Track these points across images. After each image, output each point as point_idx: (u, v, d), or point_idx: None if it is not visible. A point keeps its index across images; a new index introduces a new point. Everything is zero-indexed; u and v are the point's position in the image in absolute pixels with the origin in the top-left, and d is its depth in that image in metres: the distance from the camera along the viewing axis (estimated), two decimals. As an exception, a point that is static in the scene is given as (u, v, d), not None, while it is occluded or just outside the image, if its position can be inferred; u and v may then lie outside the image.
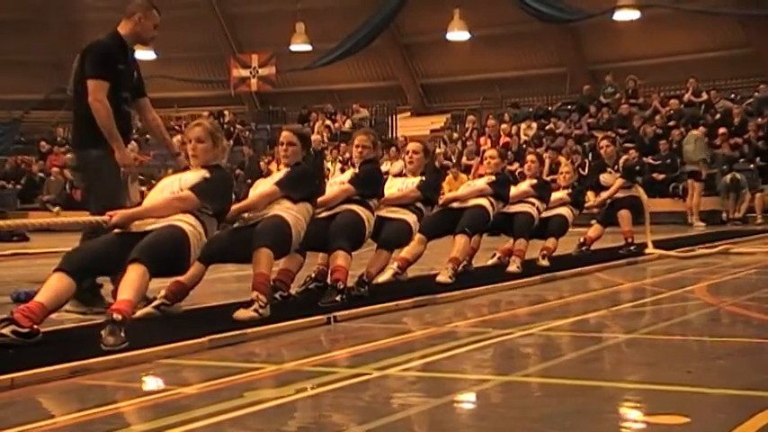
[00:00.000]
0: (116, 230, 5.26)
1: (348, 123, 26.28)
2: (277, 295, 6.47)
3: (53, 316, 5.96)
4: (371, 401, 3.92)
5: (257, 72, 28.65)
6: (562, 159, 16.93)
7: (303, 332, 5.60)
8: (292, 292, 6.75)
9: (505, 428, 3.46)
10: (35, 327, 4.71)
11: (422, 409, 3.72)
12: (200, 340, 5.00)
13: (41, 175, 25.49)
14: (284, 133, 6.56)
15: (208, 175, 5.52)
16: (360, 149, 7.11)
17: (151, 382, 4.35)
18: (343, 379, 4.22)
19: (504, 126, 23.20)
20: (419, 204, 7.42)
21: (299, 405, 3.80)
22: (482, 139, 22.82)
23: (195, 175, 5.52)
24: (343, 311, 6.06)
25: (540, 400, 3.92)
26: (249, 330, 5.32)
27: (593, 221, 11.07)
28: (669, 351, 5.11)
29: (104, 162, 6.22)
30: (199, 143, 5.62)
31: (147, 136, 27.99)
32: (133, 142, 29.58)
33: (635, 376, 4.37)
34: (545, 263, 9.08)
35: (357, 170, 7.02)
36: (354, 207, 6.77)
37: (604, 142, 11.21)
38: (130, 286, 4.85)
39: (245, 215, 6.10)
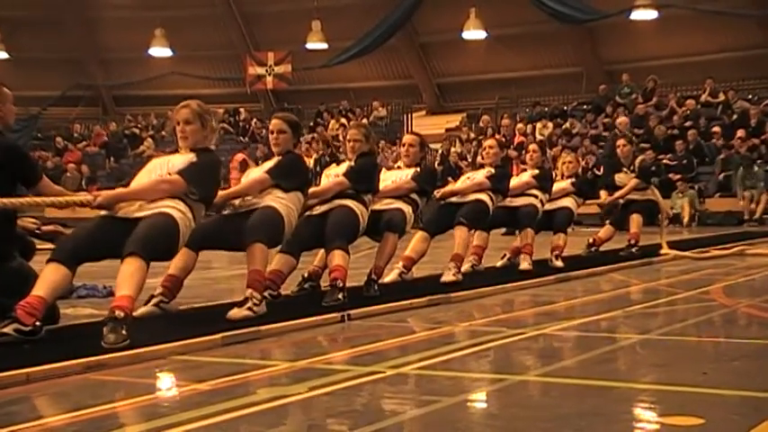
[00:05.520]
0: (102, 213, 5.20)
1: (365, 122, 26.27)
2: (266, 293, 6.41)
3: (68, 311, 6.03)
4: (385, 400, 3.91)
5: (273, 70, 28.71)
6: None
7: (317, 330, 5.60)
8: (288, 291, 6.60)
9: (519, 428, 3.45)
10: (37, 324, 4.69)
11: (435, 407, 3.71)
12: (213, 337, 5.01)
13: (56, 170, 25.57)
14: (274, 121, 6.45)
15: (195, 159, 5.44)
16: (352, 144, 6.97)
17: (165, 379, 4.36)
18: (356, 377, 4.22)
19: (519, 125, 23.15)
20: (414, 196, 7.35)
21: (312, 402, 3.80)
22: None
23: (183, 159, 5.45)
24: (356, 310, 6.05)
25: (554, 400, 3.91)
26: (263, 328, 5.33)
27: (607, 222, 11.02)
28: (684, 352, 5.09)
29: None
30: (187, 125, 5.55)
31: (163, 133, 28.25)
32: (149, 139, 29.66)
33: (649, 377, 4.35)
34: (559, 263, 9.02)
35: (353, 163, 6.89)
36: (348, 202, 6.66)
37: (621, 141, 11.19)
38: (129, 281, 4.82)
39: (236, 202, 6.06)
